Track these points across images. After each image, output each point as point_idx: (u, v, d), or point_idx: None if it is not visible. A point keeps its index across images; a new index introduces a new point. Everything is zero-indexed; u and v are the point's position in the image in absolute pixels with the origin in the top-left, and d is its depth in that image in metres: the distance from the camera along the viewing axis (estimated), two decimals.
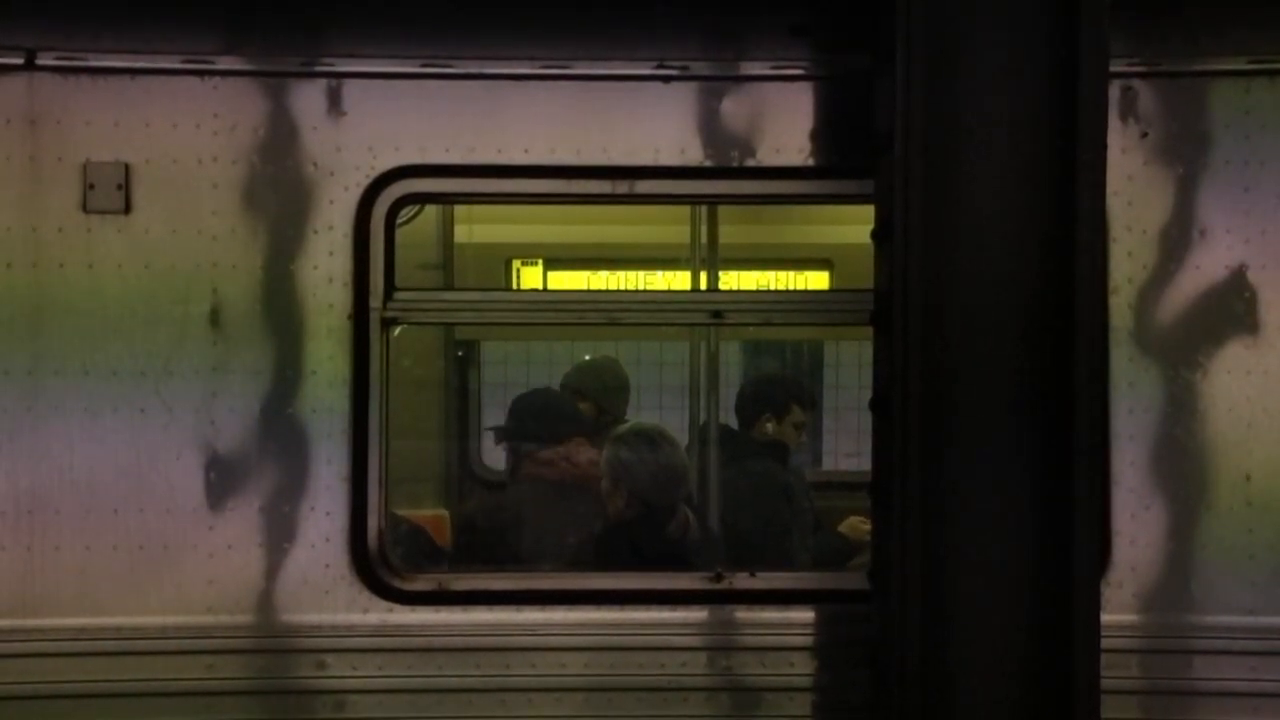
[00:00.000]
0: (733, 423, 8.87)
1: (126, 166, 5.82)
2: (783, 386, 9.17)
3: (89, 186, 5.80)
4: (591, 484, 7.40)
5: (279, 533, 5.85)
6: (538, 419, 8.18)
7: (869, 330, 5.59)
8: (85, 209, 5.81)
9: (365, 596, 5.84)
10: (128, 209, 5.82)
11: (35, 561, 5.74)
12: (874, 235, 5.33)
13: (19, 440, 5.80)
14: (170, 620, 5.77)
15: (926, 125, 4.96)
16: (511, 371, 9.97)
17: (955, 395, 5.01)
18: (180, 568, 5.80)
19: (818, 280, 9.22)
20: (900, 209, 4.99)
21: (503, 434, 8.68)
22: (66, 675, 5.73)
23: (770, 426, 8.56)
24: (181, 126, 5.86)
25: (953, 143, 4.97)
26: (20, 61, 5.82)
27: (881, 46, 5.22)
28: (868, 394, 5.77)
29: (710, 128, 6.00)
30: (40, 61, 5.82)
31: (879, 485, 5.32)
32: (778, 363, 10.89)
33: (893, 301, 5.06)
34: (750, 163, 5.98)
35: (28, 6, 5.87)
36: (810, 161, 5.99)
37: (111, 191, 5.80)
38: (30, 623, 5.74)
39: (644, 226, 8.82)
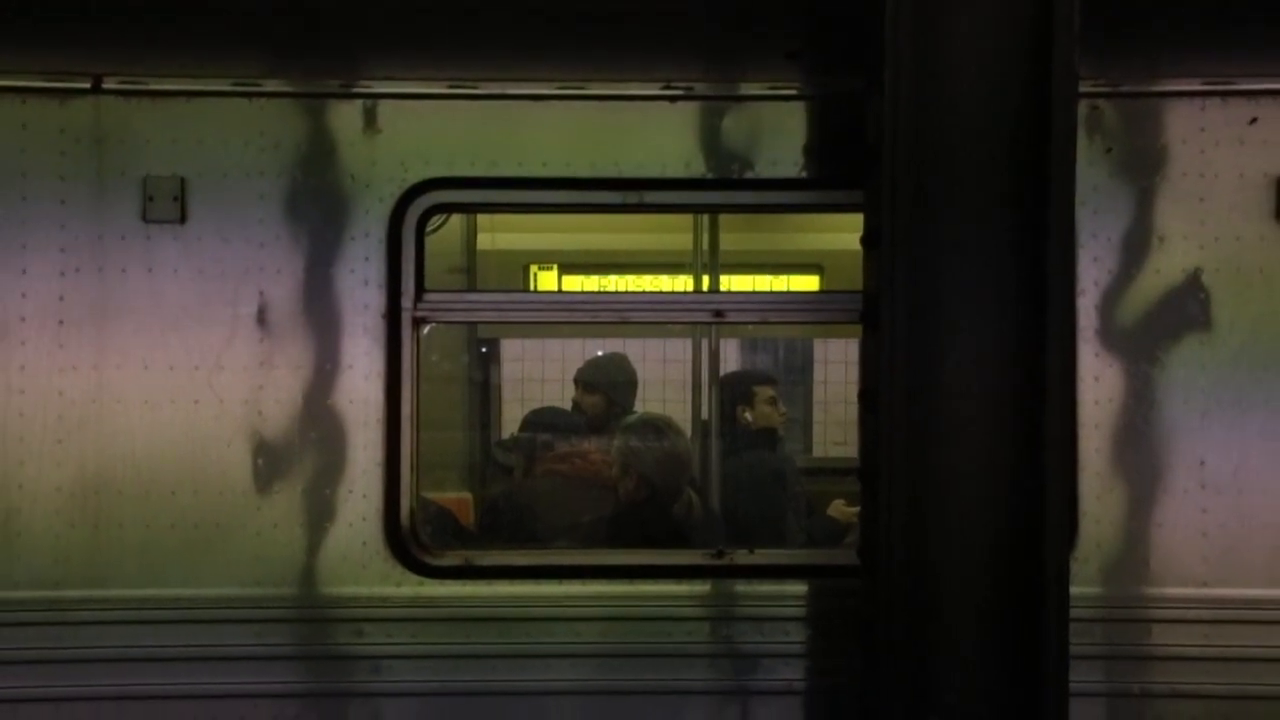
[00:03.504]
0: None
1: (182, 180, 5.87)
2: (739, 377, 9.28)
3: (148, 198, 5.85)
4: (601, 476, 7.44)
5: (320, 513, 5.90)
6: (552, 431, 8.26)
7: (858, 329, 5.63)
8: (145, 219, 5.86)
9: (398, 571, 5.90)
10: (183, 219, 5.87)
11: (101, 538, 5.79)
12: (863, 241, 5.37)
13: (86, 428, 5.84)
14: (222, 592, 5.82)
15: (912, 141, 4.99)
16: (529, 367, 10.00)
17: (938, 388, 5.03)
18: (231, 544, 5.86)
19: (810, 283, 9.25)
20: (887, 217, 5.03)
21: (520, 442, 8.77)
22: (129, 641, 5.77)
23: (748, 415, 8.59)
24: (231, 143, 5.91)
25: (935, 157, 5.00)
26: (88, 86, 5.87)
27: (871, 70, 5.24)
28: (854, 387, 5.82)
29: (712, 143, 6.03)
30: (106, 85, 5.87)
31: (866, 471, 5.36)
32: (770, 359, 10.89)
33: (880, 302, 5.09)
34: (749, 175, 6.03)
35: (95, 36, 5.92)
36: (804, 174, 6.02)
37: (169, 203, 5.86)
38: (97, 593, 5.79)
39: (651, 234, 8.81)
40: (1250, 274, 5.86)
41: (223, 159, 5.91)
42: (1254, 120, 5.85)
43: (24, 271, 5.85)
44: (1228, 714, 5.80)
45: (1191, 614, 5.82)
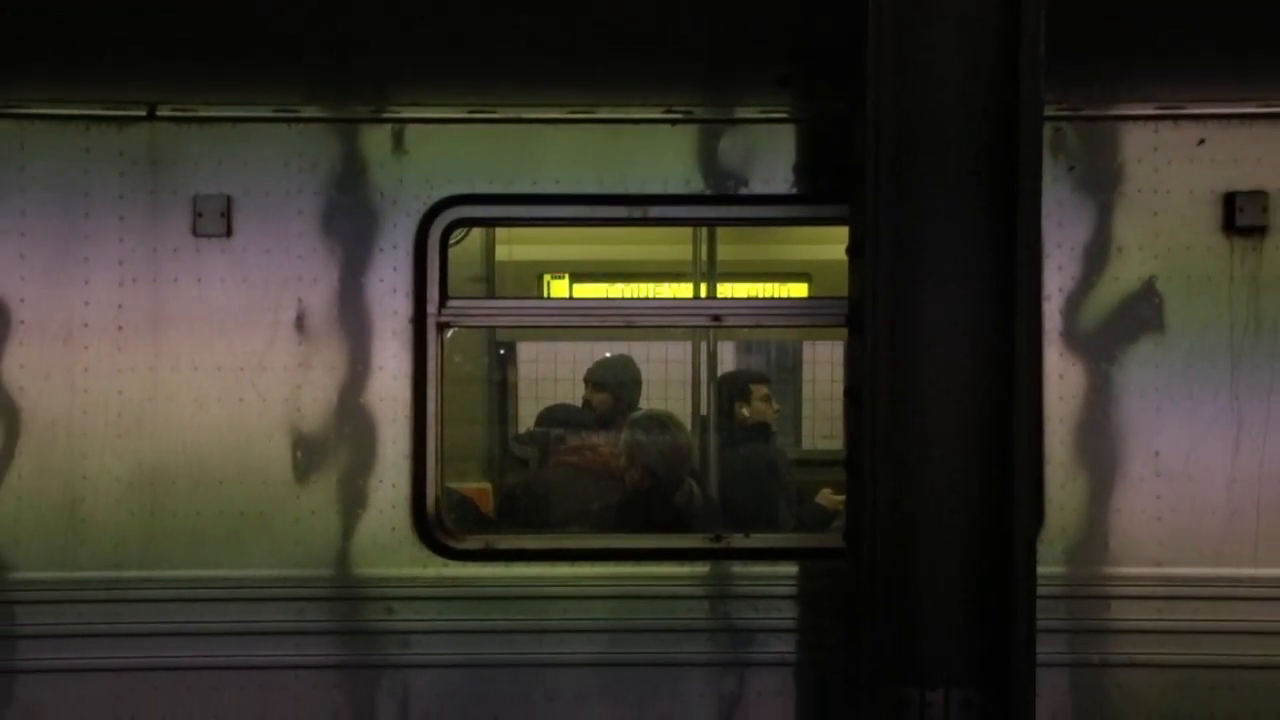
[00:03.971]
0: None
1: (228, 198, 5.93)
2: (737, 375, 9.23)
3: (198, 215, 5.92)
4: (609, 467, 7.44)
5: (353, 501, 5.96)
6: (565, 426, 8.29)
7: (844, 332, 5.68)
8: (195, 233, 5.92)
9: (425, 554, 5.95)
10: (229, 233, 5.93)
11: (156, 524, 5.87)
12: (849, 251, 5.40)
13: (143, 424, 5.90)
14: (266, 573, 5.89)
15: (894, 160, 4.98)
16: (543, 368, 9.98)
17: (919, 386, 5.04)
18: (273, 529, 5.92)
19: (800, 290, 9.24)
20: (871, 230, 5.02)
21: (536, 436, 8.78)
22: (182, 617, 5.85)
23: (744, 410, 8.57)
24: (273, 164, 5.97)
25: (915, 174, 4.99)
26: (144, 113, 5.94)
27: (855, 95, 5.24)
28: (840, 386, 5.84)
29: (710, 162, 6.07)
30: (160, 113, 5.95)
31: (852, 462, 5.38)
32: (764, 360, 10.86)
33: (864, 307, 5.10)
34: (743, 191, 6.07)
35: (149, 68, 5.93)
36: (794, 190, 6.07)
37: (216, 219, 5.92)
38: (153, 574, 5.86)
39: (654, 245, 8.82)
40: (1199, 282, 5.90)
41: (265, 178, 5.98)
42: (1202, 141, 5.89)
43: (86, 282, 5.91)
44: (1180, 682, 5.84)
45: (1147, 591, 5.86)
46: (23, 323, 5.93)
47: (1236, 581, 5.86)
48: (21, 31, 6.00)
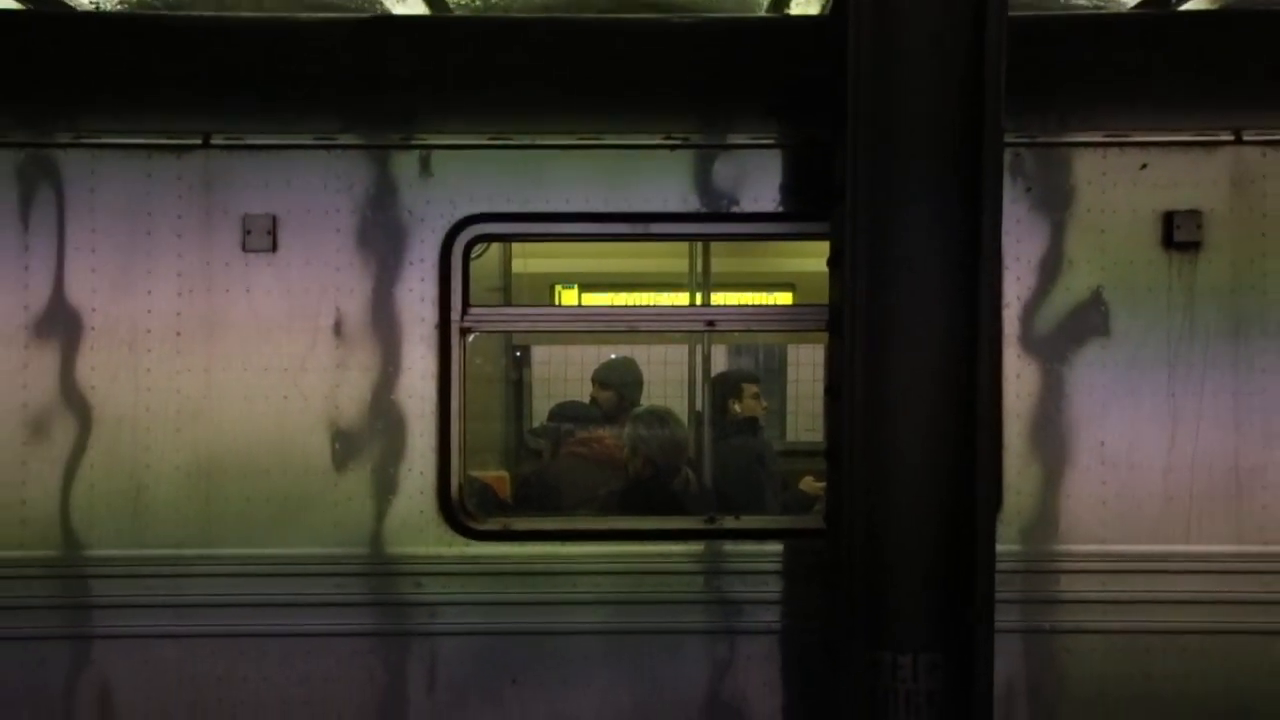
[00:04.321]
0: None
1: (274, 217, 6.05)
2: (729, 375, 9.23)
3: (246, 232, 6.03)
4: (614, 457, 7.59)
5: (386, 488, 6.07)
6: (574, 420, 8.40)
7: (824, 336, 5.83)
8: (244, 249, 6.04)
9: (449, 534, 6.07)
10: (274, 248, 6.05)
11: (211, 508, 6.00)
12: (829, 264, 5.55)
13: (199, 420, 6.03)
14: (308, 551, 6.01)
15: (870, 182, 5.16)
16: (554, 368, 9.99)
17: (891, 385, 5.20)
18: (314, 513, 6.04)
19: (785, 298, 9.30)
20: (849, 244, 5.20)
21: (548, 429, 8.86)
22: (234, 590, 5.98)
23: (736, 406, 8.62)
24: (313, 186, 6.08)
25: (889, 195, 5.16)
26: (199, 142, 6.05)
27: (836, 123, 5.42)
28: (821, 384, 6.00)
29: (705, 183, 6.15)
30: (213, 141, 6.05)
31: (832, 452, 5.56)
32: (751, 362, 10.85)
33: (843, 314, 5.29)
34: (735, 210, 6.16)
35: (204, 102, 6.11)
36: (780, 208, 6.15)
37: (263, 235, 6.04)
38: (209, 551, 6.00)
39: (655, 258, 8.87)
40: (1141, 291, 6.00)
41: (306, 199, 6.08)
42: (1144, 166, 5.99)
43: (149, 292, 6.03)
44: (1122, 646, 5.96)
45: (1092, 565, 5.98)
46: (93, 329, 6.04)
47: (1171, 557, 5.96)
48: (91, 70, 6.22)
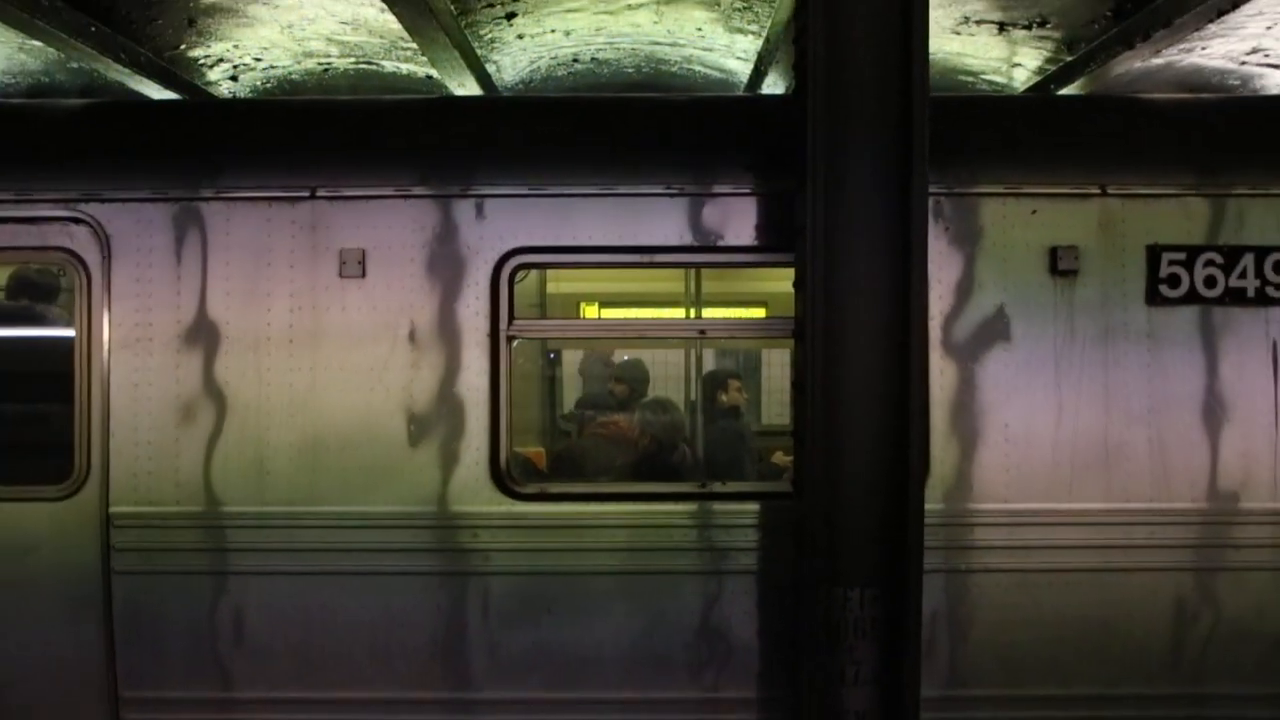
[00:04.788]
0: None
1: (364, 251, 6.18)
2: (718, 372, 9.20)
3: (342, 263, 6.17)
4: (627, 436, 7.57)
5: (450, 460, 6.17)
6: (595, 408, 8.42)
7: (790, 342, 5.91)
8: (341, 275, 6.18)
9: (499, 496, 6.16)
10: (364, 275, 6.18)
11: (316, 475, 6.14)
12: (795, 286, 5.60)
13: (306, 407, 6.15)
14: (390, 509, 6.13)
15: (825, 223, 5.26)
16: (580, 368, 10.02)
17: (843, 380, 5.31)
18: (395, 479, 6.15)
19: (759, 312, 9.27)
20: (810, 271, 5.32)
21: (575, 415, 8.90)
22: (334, 539, 6.12)
23: (723, 397, 8.56)
24: (394, 227, 6.20)
25: (840, 233, 5.27)
26: (308, 194, 6.21)
27: (798, 177, 5.51)
28: (788, 379, 6.06)
29: (697, 223, 6.24)
30: (318, 194, 6.20)
31: (797, 433, 5.63)
32: (733, 362, 10.75)
33: (806, 324, 5.38)
34: (721, 244, 6.24)
35: (311, 164, 6.25)
36: (756, 243, 6.24)
37: (355, 265, 6.18)
38: (315, 509, 6.12)
39: (658, 281, 8.86)
40: (1033, 307, 6.12)
41: (389, 237, 6.19)
42: (1034, 211, 6.11)
43: (268, 309, 6.17)
44: (1019, 582, 6.06)
45: (998, 520, 6.08)
46: (228, 338, 6.18)
47: (1056, 513, 6.06)
48: (227, 142, 6.41)
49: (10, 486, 6.34)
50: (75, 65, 7.37)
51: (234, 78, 7.81)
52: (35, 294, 6.77)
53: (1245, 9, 6.33)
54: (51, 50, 7.09)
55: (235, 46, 7.33)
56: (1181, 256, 6.13)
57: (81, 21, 6.69)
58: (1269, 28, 6.72)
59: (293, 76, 7.78)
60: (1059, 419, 6.11)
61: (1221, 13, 6.31)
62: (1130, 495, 6.09)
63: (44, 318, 6.71)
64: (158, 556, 6.19)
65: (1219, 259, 6.13)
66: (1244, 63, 7.33)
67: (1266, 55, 7.20)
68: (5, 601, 6.31)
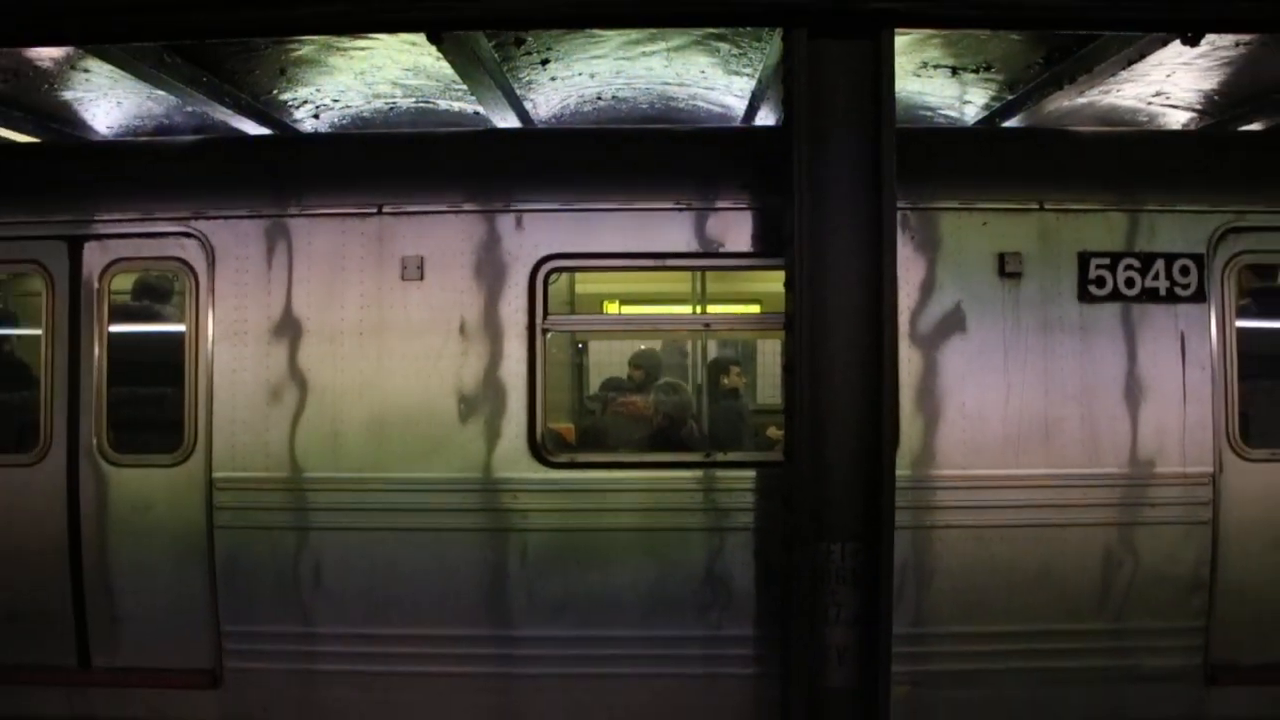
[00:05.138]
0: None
1: (422, 257, 6.22)
2: (721, 359, 9.01)
3: (404, 267, 6.22)
4: (643, 414, 7.56)
5: (494, 434, 6.20)
6: (616, 390, 8.33)
7: (781, 333, 5.87)
8: (403, 279, 6.23)
9: (535, 464, 6.20)
10: (422, 278, 6.23)
11: (382, 446, 6.20)
12: (785, 286, 5.57)
13: (373, 390, 6.18)
14: (444, 475, 6.17)
15: (809, 232, 5.31)
16: (603, 355, 9.94)
17: (826, 364, 5.36)
18: (448, 450, 6.19)
19: (755, 308, 9.07)
20: (798, 273, 5.35)
21: (599, 396, 8.82)
22: (398, 502, 6.18)
23: (725, 380, 8.43)
24: (448, 237, 6.23)
25: (822, 241, 5.34)
26: (375, 210, 6.25)
27: (786, 194, 5.49)
28: (779, 364, 6.04)
29: (702, 233, 6.26)
30: (384, 210, 6.25)
31: (788, 410, 5.59)
32: (733, 352, 10.59)
33: (795, 319, 5.40)
34: (723, 250, 6.26)
35: (378, 185, 6.29)
36: (753, 249, 6.25)
37: (415, 269, 6.23)
38: (380, 475, 6.18)
39: (670, 283, 8.82)
40: (985, 303, 6.12)
41: (443, 246, 6.22)
42: (985, 223, 6.15)
43: (342, 307, 6.24)
44: (973, 536, 6.08)
45: (956, 484, 6.10)
46: (309, 332, 6.26)
47: (1007, 477, 6.08)
48: (309, 168, 6.47)
49: (135, 455, 6.45)
50: (190, 109, 7.49)
51: (316, 116, 7.87)
52: (153, 296, 6.84)
53: (1150, 60, 6.42)
54: (172, 98, 7.23)
55: (317, 90, 7.39)
56: (1106, 261, 6.16)
57: (197, 74, 6.84)
58: (1168, 76, 6.84)
59: (364, 114, 7.82)
60: (1007, 398, 6.12)
61: (1131, 62, 6.40)
62: (1066, 462, 6.11)
63: (161, 315, 6.79)
64: (251, 514, 6.26)
65: (1136, 264, 6.16)
66: (1150, 103, 7.39)
67: (1167, 98, 7.28)
68: (130, 550, 6.41)
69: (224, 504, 6.28)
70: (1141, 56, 6.28)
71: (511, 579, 6.22)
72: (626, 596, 6.22)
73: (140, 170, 6.70)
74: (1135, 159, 6.44)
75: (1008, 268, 6.13)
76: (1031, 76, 7.04)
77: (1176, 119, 7.68)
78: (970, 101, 7.63)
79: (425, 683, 6.26)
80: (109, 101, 7.53)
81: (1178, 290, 6.18)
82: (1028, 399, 6.12)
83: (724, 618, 6.20)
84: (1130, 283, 6.16)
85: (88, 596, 6.45)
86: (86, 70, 6.88)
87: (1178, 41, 5.82)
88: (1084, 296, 6.16)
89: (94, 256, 6.53)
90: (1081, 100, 7.23)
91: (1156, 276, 6.17)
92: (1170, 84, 6.99)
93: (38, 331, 6.62)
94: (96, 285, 6.52)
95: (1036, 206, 6.18)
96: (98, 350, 6.51)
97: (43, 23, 5.52)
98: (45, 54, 6.65)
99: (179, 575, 6.35)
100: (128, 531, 6.41)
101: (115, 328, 6.59)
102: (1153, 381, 6.17)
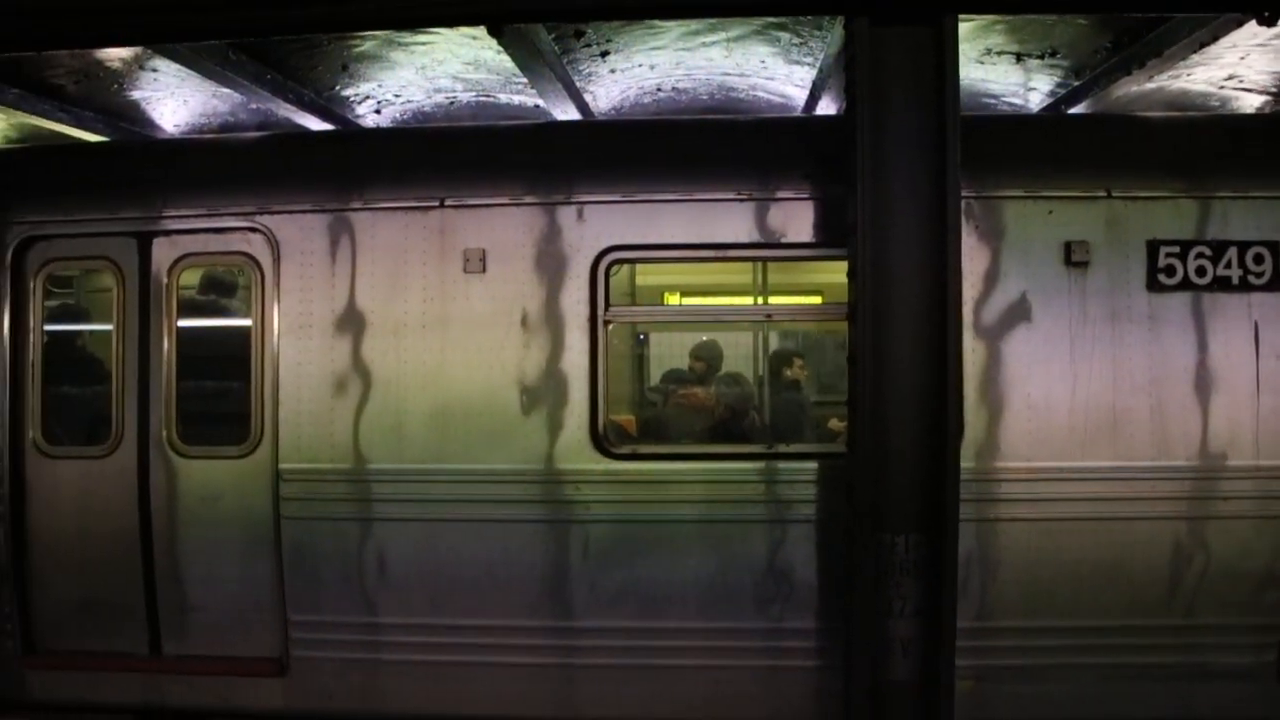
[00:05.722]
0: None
1: (484, 250, 6.27)
2: (786, 351, 8.94)
3: (466, 260, 6.28)
4: (705, 405, 7.50)
5: (556, 425, 6.24)
6: (677, 381, 8.27)
7: (845, 324, 5.75)
8: (465, 271, 6.29)
9: (597, 455, 6.23)
10: (484, 270, 6.27)
11: (445, 438, 6.23)
12: (848, 275, 5.52)
13: (436, 381, 6.25)
14: (506, 466, 6.22)
15: (873, 222, 5.27)
16: (664, 347, 9.99)
17: (889, 355, 5.31)
18: (511, 442, 6.23)
19: (816, 299, 9.12)
20: (860, 263, 5.32)
21: (660, 387, 8.77)
22: (461, 493, 6.23)
23: (788, 372, 8.36)
24: (509, 230, 6.27)
25: (886, 231, 5.29)
26: (438, 204, 6.31)
27: (849, 183, 5.46)
28: (843, 356, 5.99)
29: (764, 224, 6.25)
30: (446, 203, 6.30)
31: (851, 401, 5.53)
32: (794, 344, 10.52)
33: (858, 309, 5.37)
34: (784, 240, 6.25)
35: (440, 179, 6.34)
36: (814, 239, 6.24)
37: (477, 262, 6.28)
38: (444, 466, 6.23)
39: (730, 274, 8.56)
40: (1051, 294, 6.06)
41: (505, 238, 6.27)
42: (1051, 211, 6.07)
43: (405, 300, 6.28)
44: (1039, 530, 6.01)
45: (1020, 476, 6.04)
46: (372, 325, 6.33)
47: (1074, 470, 6.01)
48: (372, 163, 6.52)
49: (203, 447, 6.58)
50: (254, 106, 7.59)
51: (377, 111, 7.92)
52: (220, 290, 6.98)
53: (1222, 42, 6.24)
54: (237, 95, 7.32)
55: (379, 86, 7.44)
56: (1176, 250, 6.06)
57: (261, 71, 6.92)
58: (1242, 58, 6.63)
59: (425, 108, 7.85)
60: (1073, 389, 6.05)
61: (1203, 45, 6.23)
62: (1135, 455, 6.03)
63: (228, 310, 6.91)
64: (316, 505, 6.34)
65: (1208, 251, 6.06)
66: (1222, 87, 7.20)
67: (1240, 81, 7.09)
68: (199, 540, 6.54)
69: (290, 495, 6.37)
70: (1214, 39, 6.12)
71: (573, 570, 6.24)
72: (688, 588, 6.22)
73: (207, 167, 6.83)
74: (1207, 144, 6.32)
75: (1074, 257, 6.06)
76: (1098, 62, 6.91)
77: (1250, 103, 7.49)
78: (1035, 88, 7.51)
79: (486, 672, 6.30)
80: (176, 100, 7.66)
81: (1251, 278, 6.06)
82: (1095, 390, 6.04)
83: (785, 610, 6.19)
84: (1201, 271, 6.06)
85: (158, 585, 6.59)
86: (154, 69, 7.00)
87: (1253, 22, 5.66)
88: (1153, 285, 6.06)
89: (163, 252, 6.66)
90: (1150, 85, 7.08)
91: (1229, 264, 6.06)
92: (1244, 67, 6.81)
93: (109, 327, 6.76)
94: (165, 280, 6.65)
95: (1104, 194, 6.10)
96: (167, 345, 6.64)
97: (113, 24, 5.62)
98: (115, 54, 6.78)
99: (246, 565, 6.47)
100: (196, 522, 6.53)
101: (183, 322, 6.72)
102: (1225, 372, 6.06)
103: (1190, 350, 6.07)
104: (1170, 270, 6.07)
